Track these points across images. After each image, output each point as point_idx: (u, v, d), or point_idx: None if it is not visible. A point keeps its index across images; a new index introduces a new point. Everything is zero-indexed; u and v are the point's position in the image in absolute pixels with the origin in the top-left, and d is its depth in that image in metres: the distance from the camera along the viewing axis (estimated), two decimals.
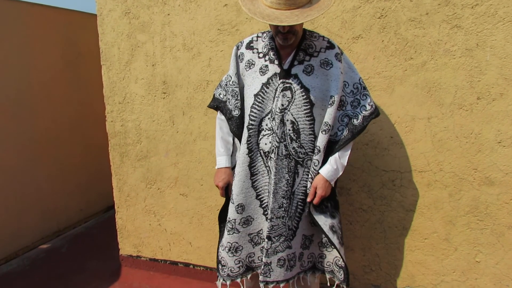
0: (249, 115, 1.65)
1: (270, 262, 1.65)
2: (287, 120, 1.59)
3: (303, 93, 1.57)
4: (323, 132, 1.58)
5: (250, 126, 1.65)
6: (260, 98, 1.62)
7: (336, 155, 1.61)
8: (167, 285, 2.58)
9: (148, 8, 2.35)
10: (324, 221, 1.64)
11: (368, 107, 1.62)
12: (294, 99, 1.58)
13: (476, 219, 1.88)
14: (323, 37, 1.65)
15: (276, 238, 1.64)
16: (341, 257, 1.67)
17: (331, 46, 1.62)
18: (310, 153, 1.62)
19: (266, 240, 1.65)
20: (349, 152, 1.64)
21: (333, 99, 1.58)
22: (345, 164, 1.63)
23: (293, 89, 1.58)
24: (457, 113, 1.83)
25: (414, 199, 1.98)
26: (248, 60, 1.68)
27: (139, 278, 2.68)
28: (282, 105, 1.58)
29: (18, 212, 3.12)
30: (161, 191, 2.56)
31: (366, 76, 1.95)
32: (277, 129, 1.59)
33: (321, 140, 1.59)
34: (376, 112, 1.63)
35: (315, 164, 1.60)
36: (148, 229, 2.66)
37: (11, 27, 3.02)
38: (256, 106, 1.63)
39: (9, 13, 3.01)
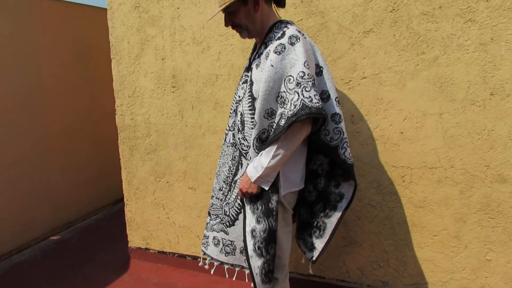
0: None
1: (208, 236, 1.73)
2: (239, 111, 1.62)
3: (249, 86, 1.56)
4: (251, 128, 1.55)
5: (229, 114, 1.75)
6: (236, 89, 1.71)
7: (260, 153, 1.51)
8: (175, 277, 2.61)
9: (158, 2, 2.35)
10: (250, 221, 1.56)
11: (292, 107, 1.40)
12: (246, 91, 1.60)
13: (487, 217, 1.85)
14: (287, 26, 1.52)
15: (213, 216, 1.71)
16: (250, 267, 1.56)
17: (281, 36, 1.48)
18: None
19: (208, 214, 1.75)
20: (272, 153, 1.45)
21: (258, 93, 1.50)
22: (265, 165, 1.46)
23: (248, 82, 1.60)
24: (469, 109, 1.80)
25: (424, 195, 1.95)
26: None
27: (147, 270, 2.71)
28: (239, 96, 1.64)
29: (30, 204, 3.17)
30: (170, 185, 2.58)
31: (377, 70, 1.92)
32: (230, 118, 1.66)
33: (252, 136, 1.54)
34: (299, 114, 1.38)
35: (248, 159, 1.59)
36: (156, 222, 2.68)
37: (21, 22, 3.05)
38: (234, 97, 1.73)
39: (20, 7, 3.03)
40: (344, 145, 1.57)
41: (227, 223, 1.66)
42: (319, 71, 1.55)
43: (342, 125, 1.56)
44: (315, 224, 1.69)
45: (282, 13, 2.05)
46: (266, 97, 1.46)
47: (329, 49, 2.00)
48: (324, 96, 1.56)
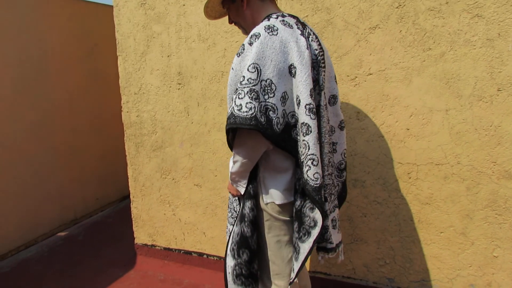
0: None
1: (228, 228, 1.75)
2: None
3: None
4: None
5: None
6: None
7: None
8: (181, 273, 2.62)
9: None
10: (237, 221, 1.54)
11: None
12: None
13: (494, 213, 1.85)
14: (262, 22, 1.38)
15: (228, 210, 1.70)
16: (225, 264, 1.56)
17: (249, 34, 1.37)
18: None
19: None
20: (233, 159, 1.42)
21: None
22: (230, 169, 1.45)
23: None
24: (476, 105, 1.79)
25: (430, 192, 1.95)
26: None
27: (153, 267, 2.72)
28: None
29: (37, 200, 3.20)
30: (176, 182, 2.59)
31: (383, 67, 1.92)
32: None
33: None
34: (227, 123, 1.30)
35: None
36: (162, 218, 2.69)
37: (28, 19, 3.07)
38: None
39: (27, 4, 3.06)
40: (308, 162, 1.33)
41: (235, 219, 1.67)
42: (295, 72, 1.34)
43: (310, 138, 1.32)
44: (293, 243, 1.52)
45: (287, 10, 2.05)
46: (230, 101, 1.40)
47: (335, 45, 1.99)
48: (297, 101, 1.35)
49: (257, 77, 1.28)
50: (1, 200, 2.91)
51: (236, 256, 1.51)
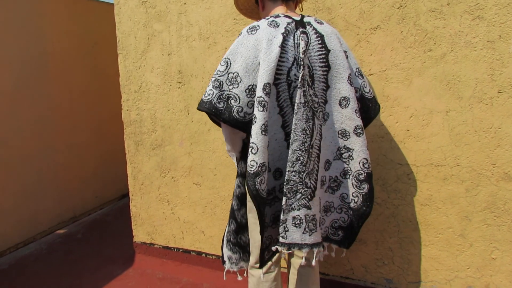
0: None
1: None
2: None
3: None
4: None
5: None
6: None
7: None
8: (179, 272, 2.62)
9: None
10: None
11: None
12: None
13: (493, 215, 1.85)
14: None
15: None
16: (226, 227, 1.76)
17: None
18: None
19: None
20: None
21: None
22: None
23: None
24: (476, 106, 1.79)
25: (430, 193, 1.95)
26: None
27: (152, 265, 2.72)
28: None
29: (36, 198, 3.20)
30: (175, 180, 2.59)
31: (383, 67, 1.92)
32: None
33: None
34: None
35: None
36: (161, 217, 2.69)
37: (29, 17, 3.07)
38: None
39: (27, 2, 3.05)
40: (249, 149, 1.42)
41: None
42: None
43: (254, 127, 1.39)
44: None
45: None
46: None
47: None
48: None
49: (225, 69, 1.44)
50: (0, 197, 2.91)
51: (228, 223, 1.73)
